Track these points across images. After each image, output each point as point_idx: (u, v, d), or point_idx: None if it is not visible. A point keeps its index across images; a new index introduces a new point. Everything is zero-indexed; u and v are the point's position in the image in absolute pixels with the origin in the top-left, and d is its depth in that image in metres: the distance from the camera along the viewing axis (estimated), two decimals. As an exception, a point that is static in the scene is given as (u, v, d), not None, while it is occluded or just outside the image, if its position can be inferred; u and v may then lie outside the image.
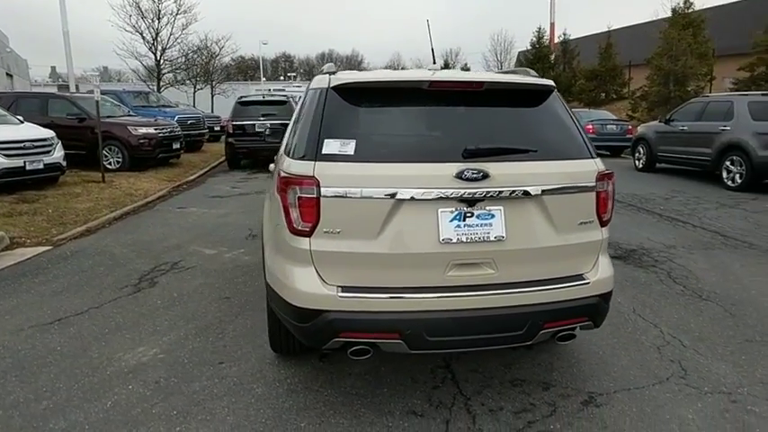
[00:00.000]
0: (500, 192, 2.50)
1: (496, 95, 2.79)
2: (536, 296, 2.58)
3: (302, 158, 2.57)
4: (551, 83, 2.89)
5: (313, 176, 2.48)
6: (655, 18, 22.93)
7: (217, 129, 20.59)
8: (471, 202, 2.50)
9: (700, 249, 5.89)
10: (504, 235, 2.53)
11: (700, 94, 17.46)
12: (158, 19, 22.41)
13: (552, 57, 28.25)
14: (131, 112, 13.98)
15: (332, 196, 2.46)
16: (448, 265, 2.52)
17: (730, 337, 3.74)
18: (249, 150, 13.36)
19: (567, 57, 29.07)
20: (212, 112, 23.26)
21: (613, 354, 3.50)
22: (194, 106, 23.99)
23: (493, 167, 2.50)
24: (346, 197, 2.46)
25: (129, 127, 12.18)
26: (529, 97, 2.88)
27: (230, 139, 13.38)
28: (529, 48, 30.16)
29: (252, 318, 4.10)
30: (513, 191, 2.52)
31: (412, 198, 2.45)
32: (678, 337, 3.72)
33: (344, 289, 2.50)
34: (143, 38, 22.47)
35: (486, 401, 2.96)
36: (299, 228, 2.53)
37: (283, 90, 35.10)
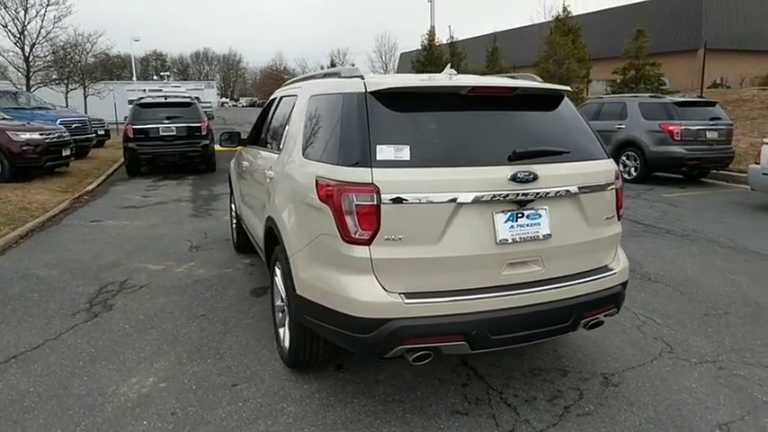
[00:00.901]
0: (548, 192, 2.63)
1: (524, 100, 2.92)
2: (577, 289, 2.74)
3: (355, 165, 2.49)
4: (567, 88, 3.08)
5: (372, 183, 2.42)
6: (531, 23, 24.89)
7: (101, 133, 18.89)
8: (523, 203, 2.60)
9: (628, 237, 6.52)
10: (550, 233, 2.66)
11: (583, 96, 19.28)
12: (25, 10, 19.80)
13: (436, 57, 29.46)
14: (5, 116, 12.33)
15: (392, 203, 2.43)
16: (503, 264, 2.59)
17: (690, 313, 4.23)
18: (153, 156, 12.40)
19: (455, 59, 30.51)
20: (86, 113, 21.10)
21: (604, 337, 3.80)
22: (67, 107, 21.63)
23: (539, 169, 2.62)
24: (407, 203, 2.44)
25: (8, 132, 10.70)
26: (548, 102, 3.04)
27: (131, 144, 12.27)
28: (420, 49, 31.21)
29: (243, 334, 3.87)
30: (558, 191, 2.66)
31: (473, 201, 2.49)
32: (650, 317, 4.13)
33: (408, 295, 2.47)
34: (8, 31, 19.73)
35: (518, 393, 3.08)
36: (357, 236, 2.46)
37: (160, 90, 32.72)
